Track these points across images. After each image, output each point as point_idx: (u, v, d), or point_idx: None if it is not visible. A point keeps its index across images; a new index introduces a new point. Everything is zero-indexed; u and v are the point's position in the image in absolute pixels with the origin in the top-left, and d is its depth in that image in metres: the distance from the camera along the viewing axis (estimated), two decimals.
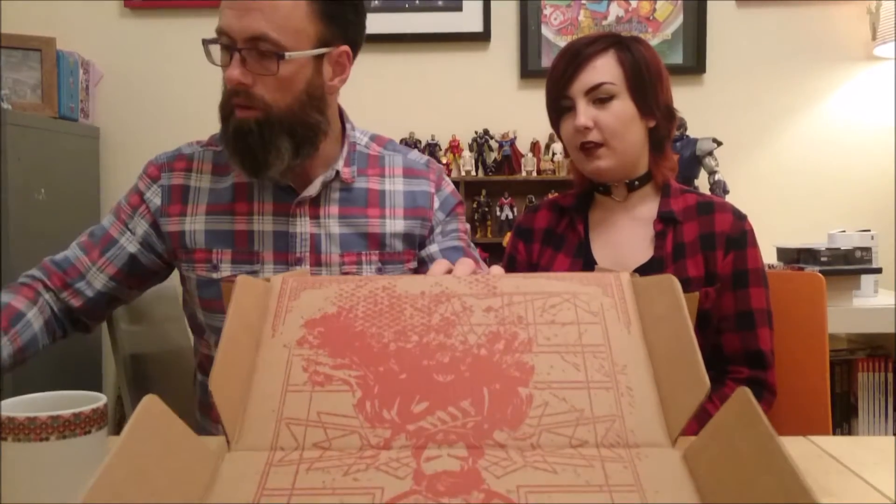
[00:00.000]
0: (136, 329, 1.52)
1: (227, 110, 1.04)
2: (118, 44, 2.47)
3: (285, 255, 1.10)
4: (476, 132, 2.40)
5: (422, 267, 1.18)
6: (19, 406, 0.67)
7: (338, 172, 1.12)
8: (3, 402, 0.66)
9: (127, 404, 1.48)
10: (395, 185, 1.17)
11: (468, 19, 2.43)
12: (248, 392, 0.56)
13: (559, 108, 1.24)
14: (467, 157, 2.37)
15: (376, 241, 1.14)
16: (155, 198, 1.13)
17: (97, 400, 0.67)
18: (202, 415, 1.19)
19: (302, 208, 1.11)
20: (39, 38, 2.27)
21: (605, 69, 1.19)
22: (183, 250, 1.12)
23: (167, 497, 0.45)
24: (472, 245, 1.24)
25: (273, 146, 1.03)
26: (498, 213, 2.35)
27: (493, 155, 2.41)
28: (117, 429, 2.27)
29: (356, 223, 1.13)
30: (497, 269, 0.81)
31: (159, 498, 0.44)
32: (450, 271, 0.80)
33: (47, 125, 2.18)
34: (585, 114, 1.19)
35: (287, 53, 1.00)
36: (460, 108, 2.46)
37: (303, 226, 1.11)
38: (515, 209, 2.34)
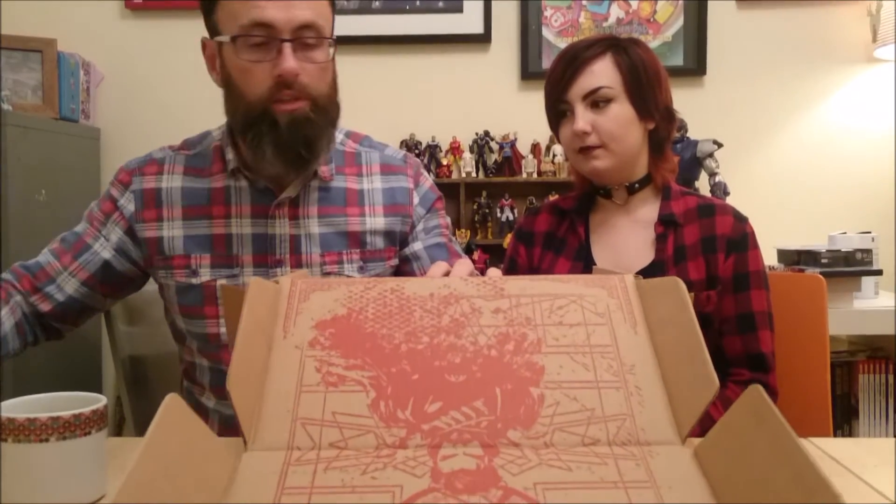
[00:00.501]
0: (135, 330, 1.52)
1: (264, 104, 1.00)
2: (119, 45, 2.47)
3: (265, 258, 1.09)
4: (477, 134, 2.40)
5: (404, 265, 1.17)
6: (19, 407, 0.67)
7: (316, 171, 1.10)
8: (3, 402, 0.66)
9: (126, 405, 1.48)
10: (374, 183, 1.16)
11: (469, 21, 2.43)
12: (263, 392, 0.57)
13: (558, 113, 1.24)
14: (468, 158, 2.37)
15: (357, 240, 1.13)
16: (129, 204, 1.11)
17: (97, 401, 0.67)
18: None
19: (281, 210, 1.10)
20: (40, 39, 2.28)
21: (602, 73, 1.19)
22: (160, 257, 1.11)
23: (192, 496, 0.46)
24: (455, 240, 1.24)
25: (325, 136, 1.04)
26: (498, 215, 2.35)
27: (494, 156, 2.41)
28: (117, 430, 2.27)
29: (336, 222, 1.12)
30: (494, 272, 0.81)
31: (184, 497, 0.45)
32: (448, 273, 0.80)
33: (48, 126, 2.18)
34: (583, 118, 1.19)
35: (329, 41, 1.02)
36: (461, 109, 2.46)
37: (282, 227, 1.10)
38: (516, 211, 2.34)
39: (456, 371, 0.58)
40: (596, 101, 1.19)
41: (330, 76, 1.05)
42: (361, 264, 1.13)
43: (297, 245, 1.10)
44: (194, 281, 1.09)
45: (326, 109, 1.04)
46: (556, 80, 1.22)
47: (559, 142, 1.29)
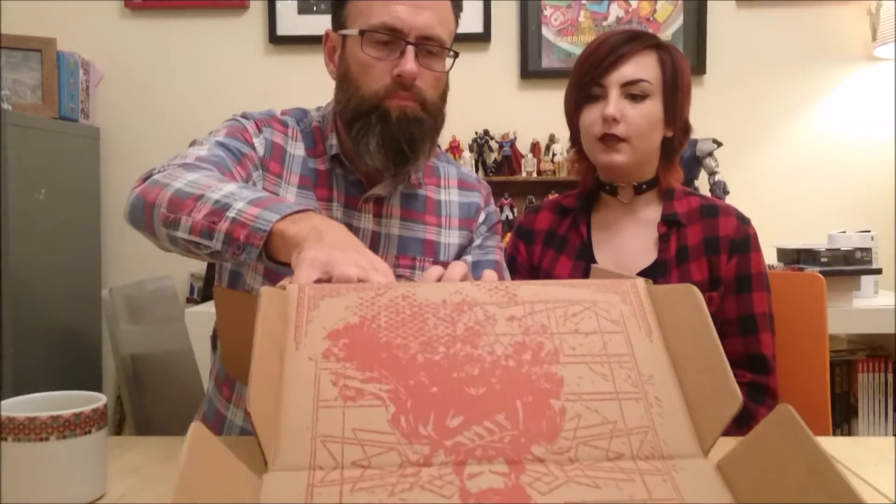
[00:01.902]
0: (136, 329, 1.53)
1: (378, 99, 1.03)
2: (118, 44, 2.47)
3: None
4: (476, 133, 2.40)
5: None
6: (19, 406, 0.67)
7: (409, 176, 1.13)
8: (3, 402, 0.67)
9: (127, 404, 1.49)
10: (451, 196, 1.19)
11: (468, 20, 2.42)
12: (279, 408, 0.55)
13: (588, 96, 1.22)
14: (467, 157, 2.37)
15: (432, 249, 1.14)
16: (260, 147, 1.09)
17: (97, 400, 0.67)
18: (216, 389, 1.15)
19: (367, 205, 1.11)
20: (40, 38, 2.28)
21: (646, 67, 1.20)
22: None
23: None
24: (505, 266, 1.24)
25: (429, 139, 1.06)
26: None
27: (494, 155, 2.41)
28: (117, 429, 2.27)
29: (415, 228, 1.14)
30: (490, 275, 0.81)
31: None
32: (440, 277, 0.80)
33: (48, 125, 2.18)
34: (616, 105, 1.18)
35: (449, 53, 1.06)
36: (460, 108, 2.44)
37: (366, 222, 1.11)
38: (515, 210, 2.34)
39: (475, 383, 0.57)
40: (632, 92, 1.19)
41: (442, 87, 1.08)
42: None
43: (376, 242, 1.11)
44: None
45: (434, 115, 1.07)
46: (596, 62, 1.20)
47: (572, 128, 1.28)
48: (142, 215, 0.92)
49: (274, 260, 0.83)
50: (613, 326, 0.62)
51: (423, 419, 0.54)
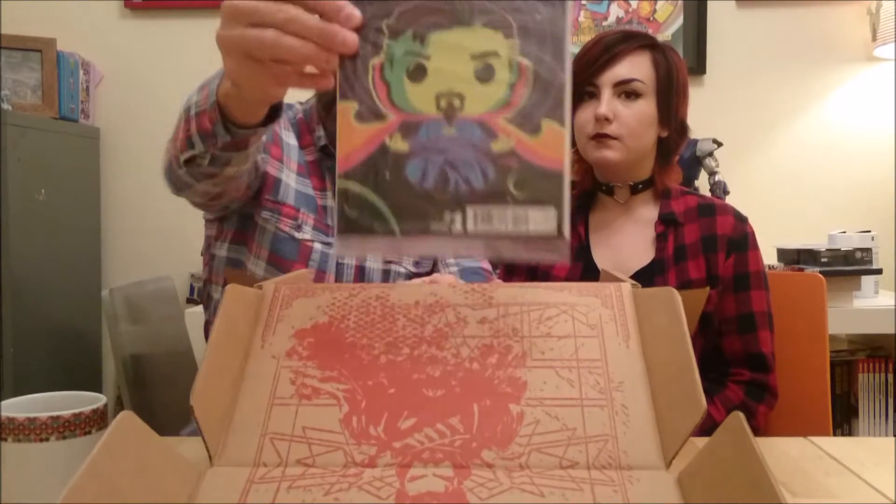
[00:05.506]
0: (136, 329, 1.53)
1: None
2: (118, 45, 2.47)
3: None
4: None
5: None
6: (19, 406, 0.67)
7: None
8: (3, 402, 0.66)
9: (127, 404, 1.49)
10: None
11: None
12: (234, 405, 0.55)
13: (580, 94, 1.23)
14: None
15: None
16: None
17: (97, 400, 0.67)
18: None
19: None
20: (40, 38, 2.28)
21: (639, 67, 1.20)
22: (271, 198, 1.11)
23: None
24: None
25: None
26: None
27: None
28: None
29: None
30: (448, 278, 0.81)
31: None
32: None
33: (47, 126, 2.18)
34: (609, 105, 1.18)
35: None
36: None
37: None
38: None
39: (434, 385, 0.56)
40: (626, 92, 1.19)
41: None
42: (417, 258, 1.19)
43: None
44: (297, 235, 1.11)
45: None
46: (590, 62, 1.21)
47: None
48: (171, 176, 0.94)
49: (243, 126, 0.79)
50: (589, 331, 0.60)
51: (375, 420, 0.53)
